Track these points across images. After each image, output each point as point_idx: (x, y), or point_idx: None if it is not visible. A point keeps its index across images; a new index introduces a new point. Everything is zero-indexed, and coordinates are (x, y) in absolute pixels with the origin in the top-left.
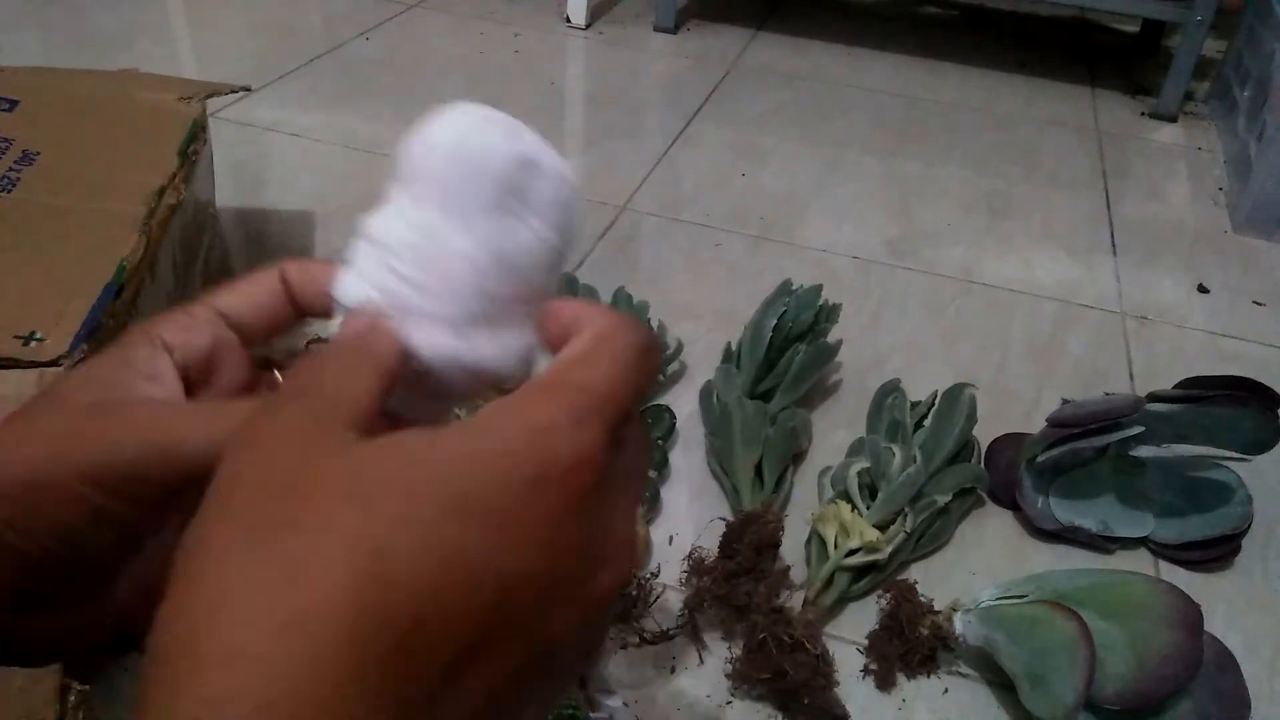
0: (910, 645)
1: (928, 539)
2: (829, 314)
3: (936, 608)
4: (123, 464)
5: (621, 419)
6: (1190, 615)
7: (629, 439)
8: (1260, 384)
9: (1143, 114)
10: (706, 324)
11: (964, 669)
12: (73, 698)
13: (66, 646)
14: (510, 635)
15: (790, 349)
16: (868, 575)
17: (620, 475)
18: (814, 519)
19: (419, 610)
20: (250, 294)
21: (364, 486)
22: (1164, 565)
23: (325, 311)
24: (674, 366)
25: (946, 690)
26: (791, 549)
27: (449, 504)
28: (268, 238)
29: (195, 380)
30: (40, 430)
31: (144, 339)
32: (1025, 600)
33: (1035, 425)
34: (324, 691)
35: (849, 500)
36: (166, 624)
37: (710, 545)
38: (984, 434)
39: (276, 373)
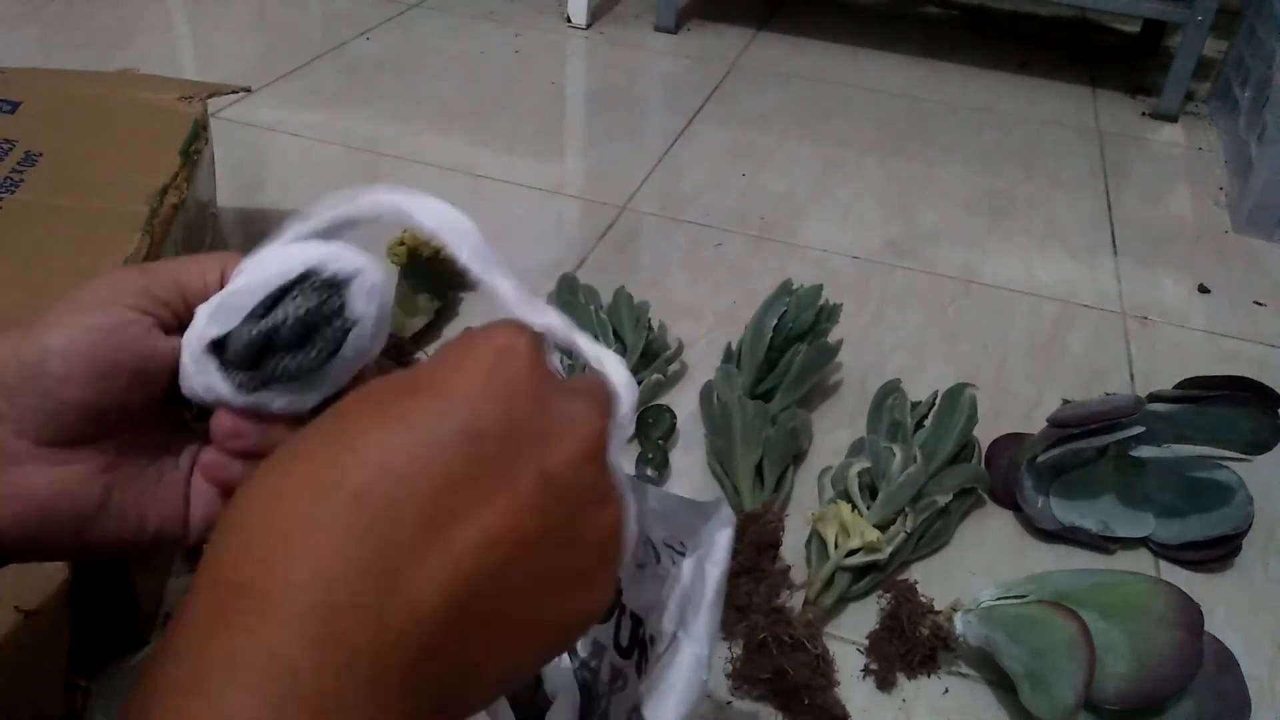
0: (910, 645)
1: (928, 539)
2: (829, 314)
3: (936, 608)
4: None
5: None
6: (1190, 615)
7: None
8: (1260, 384)
9: (1143, 114)
10: (707, 324)
11: (964, 669)
12: (79, 693)
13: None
14: (481, 487)
15: (791, 349)
16: (868, 575)
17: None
18: (814, 519)
19: (376, 480)
20: (204, 278)
21: (347, 419)
22: (1164, 565)
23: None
24: (674, 366)
25: (947, 690)
26: (792, 549)
27: (397, 390)
28: (268, 237)
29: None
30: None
31: (138, 314)
32: (1025, 600)
33: (1035, 425)
34: (334, 543)
35: (849, 500)
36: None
37: None
38: (984, 434)
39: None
